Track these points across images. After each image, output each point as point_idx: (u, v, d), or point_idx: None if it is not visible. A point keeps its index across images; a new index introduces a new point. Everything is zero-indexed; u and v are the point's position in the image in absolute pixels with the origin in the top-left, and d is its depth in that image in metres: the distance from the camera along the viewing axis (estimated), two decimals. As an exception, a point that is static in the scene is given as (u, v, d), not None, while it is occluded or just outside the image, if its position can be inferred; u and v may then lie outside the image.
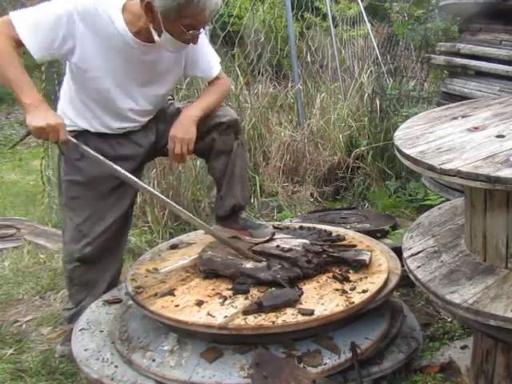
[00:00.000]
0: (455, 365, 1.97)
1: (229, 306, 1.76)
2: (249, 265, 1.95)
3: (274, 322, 1.66)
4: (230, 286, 1.87)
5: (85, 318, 2.07)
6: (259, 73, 4.85)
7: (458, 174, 1.46)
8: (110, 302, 2.16)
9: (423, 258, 1.77)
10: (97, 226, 2.13)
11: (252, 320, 1.68)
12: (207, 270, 1.96)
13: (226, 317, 1.69)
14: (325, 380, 1.63)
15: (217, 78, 2.21)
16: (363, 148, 4.19)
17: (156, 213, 3.46)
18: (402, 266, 1.93)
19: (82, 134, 2.09)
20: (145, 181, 3.46)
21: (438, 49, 3.41)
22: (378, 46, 5.50)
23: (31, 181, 5.40)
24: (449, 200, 2.60)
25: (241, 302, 1.78)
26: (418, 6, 4.43)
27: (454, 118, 1.96)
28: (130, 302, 2.00)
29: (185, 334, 1.79)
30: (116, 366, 1.78)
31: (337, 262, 2.01)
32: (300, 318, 1.68)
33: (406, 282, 1.98)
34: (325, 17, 5.91)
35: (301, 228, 2.33)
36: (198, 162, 3.67)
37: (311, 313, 1.69)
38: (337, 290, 1.83)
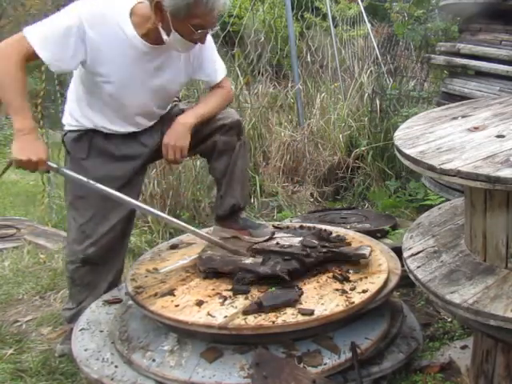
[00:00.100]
0: (455, 365, 1.97)
1: (229, 306, 1.76)
2: (248, 261, 1.96)
3: (274, 322, 1.66)
4: (230, 286, 1.87)
5: (85, 318, 2.07)
6: (259, 73, 4.85)
7: (458, 173, 1.46)
8: (110, 302, 2.16)
9: (423, 258, 1.77)
10: (100, 226, 2.14)
11: (252, 320, 1.68)
12: (207, 269, 1.96)
13: (226, 317, 1.69)
14: (325, 380, 1.63)
15: (220, 85, 2.21)
16: (363, 148, 4.19)
17: (156, 213, 3.46)
18: (402, 266, 1.93)
19: (87, 134, 2.12)
20: (145, 181, 3.47)
21: (438, 49, 3.41)
22: (377, 45, 5.50)
23: (31, 181, 5.41)
24: (449, 200, 2.60)
25: (241, 302, 1.78)
26: (418, 6, 4.43)
27: (454, 118, 1.96)
28: (130, 302, 2.00)
29: (185, 334, 1.79)
30: (116, 366, 1.78)
31: (337, 256, 2.02)
32: (300, 318, 1.68)
33: (406, 282, 1.98)
34: (325, 17, 5.92)
35: (301, 228, 2.33)
36: (198, 162, 3.68)
37: (311, 313, 1.69)
38: (337, 289, 1.83)
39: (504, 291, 1.53)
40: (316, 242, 2.07)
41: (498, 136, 1.69)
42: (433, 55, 3.47)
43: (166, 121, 2.22)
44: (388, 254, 2.17)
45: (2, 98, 1.87)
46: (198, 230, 2.18)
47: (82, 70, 2.00)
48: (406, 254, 1.82)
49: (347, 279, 1.90)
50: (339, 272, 1.95)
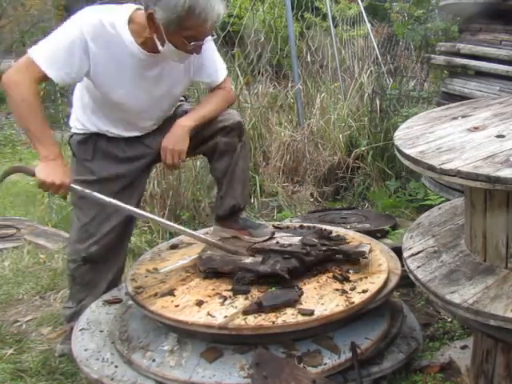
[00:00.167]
0: (455, 365, 1.97)
1: (229, 306, 1.76)
2: (248, 260, 1.96)
3: (274, 322, 1.66)
4: (230, 286, 1.87)
5: (85, 317, 2.07)
6: (259, 73, 4.85)
7: (458, 173, 1.46)
8: (110, 302, 2.16)
9: (423, 258, 1.77)
10: (103, 225, 2.15)
11: (252, 320, 1.68)
12: (206, 269, 1.96)
13: (226, 317, 1.69)
14: (325, 380, 1.63)
15: (220, 86, 2.21)
16: (363, 148, 4.19)
17: (156, 213, 3.46)
18: (402, 266, 1.93)
19: (92, 137, 2.14)
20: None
21: (438, 49, 3.41)
22: (377, 46, 5.50)
23: (31, 181, 5.40)
24: (449, 200, 2.60)
25: (241, 302, 1.78)
26: (418, 6, 4.43)
27: (454, 118, 1.96)
28: (130, 302, 2.00)
29: (185, 334, 1.79)
30: (116, 366, 1.78)
31: (337, 254, 2.02)
32: (300, 318, 1.68)
33: (406, 282, 1.97)
34: (325, 17, 5.91)
35: (301, 227, 2.33)
36: (198, 162, 3.68)
37: (311, 313, 1.69)
38: (337, 289, 1.83)
39: (504, 291, 1.53)
40: (316, 240, 2.07)
41: (498, 136, 1.69)
42: (433, 55, 3.47)
43: (169, 122, 2.22)
44: (388, 254, 2.17)
45: (23, 127, 1.92)
46: (196, 233, 2.18)
47: (86, 81, 2.01)
48: (405, 254, 1.82)
49: (347, 279, 1.90)
50: (339, 272, 1.95)
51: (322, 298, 1.78)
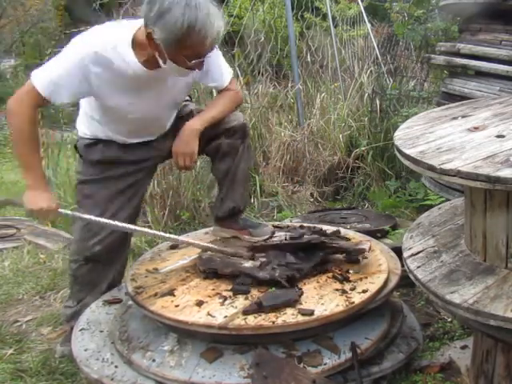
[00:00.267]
0: (455, 365, 1.97)
1: (229, 306, 1.76)
2: (248, 264, 1.96)
3: (273, 322, 1.66)
4: (230, 287, 1.87)
5: (85, 317, 2.07)
6: (259, 73, 4.84)
7: (458, 173, 1.46)
8: (110, 302, 2.16)
9: (423, 258, 1.77)
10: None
11: (252, 320, 1.68)
12: (207, 269, 1.96)
13: (225, 317, 1.69)
14: (325, 380, 1.63)
15: (227, 88, 2.21)
16: (363, 148, 4.19)
17: (156, 213, 3.47)
18: (402, 266, 1.93)
19: (100, 141, 2.15)
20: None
21: (438, 49, 3.41)
22: (377, 46, 5.49)
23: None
24: (449, 200, 2.59)
25: (241, 302, 1.78)
26: (418, 6, 4.43)
27: (454, 118, 1.96)
28: (130, 302, 2.00)
29: (185, 334, 1.79)
30: (116, 366, 1.78)
31: (337, 251, 2.03)
32: (300, 318, 1.68)
33: (406, 282, 1.97)
34: (325, 17, 5.91)
35: (301, 227, 2.33)
36: (198, 162, 3.67)
37: (311, 313, 1.69)
38: (337, 289, 1.83)
39: (504, 291, 1.53)
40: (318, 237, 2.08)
41: (498, 136, 1.69)
42: (433, 55, 3.47)
43: (175, 123, 2.24)
44: (388, 254, 2.17)
45: (16, 153, 1.98)
46: (195, 241, 2.16)
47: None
48: (405, 254, 1.82)
49: (347, 279, 1.90)
50: (339, 272, 1.95)
51: (322, 298, 1.78)
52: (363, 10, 5.84)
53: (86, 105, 2.13)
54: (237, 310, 1.73)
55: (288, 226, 2.39)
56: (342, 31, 6.01)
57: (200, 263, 2.01)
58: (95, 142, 2.15)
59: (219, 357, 1.72)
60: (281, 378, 1.58)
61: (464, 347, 2.06)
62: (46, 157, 4.05)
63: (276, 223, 2.51)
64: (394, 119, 4.04)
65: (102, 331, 1.98)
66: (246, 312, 1.71)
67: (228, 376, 1.64)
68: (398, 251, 2.07)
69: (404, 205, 3.64)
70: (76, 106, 2.24)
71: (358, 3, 5.94)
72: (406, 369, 1.93)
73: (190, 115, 2.20)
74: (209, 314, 1.71)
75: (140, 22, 1.87)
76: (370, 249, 2.03)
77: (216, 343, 1.76)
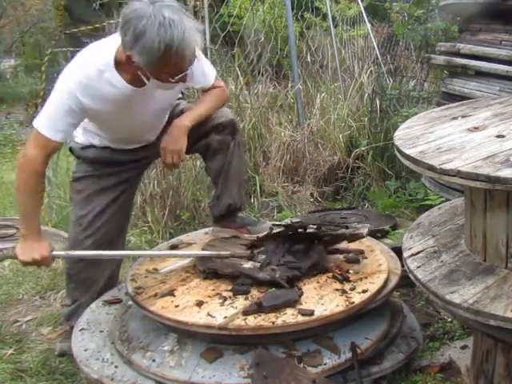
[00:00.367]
0: (455, 365, 1.97)
1: (229, 306, 1.76)
2: (247, 265, 1.96)
3: (273, 323, 1.66)
4: (230, 287, 1.86)
5: (85, 317, 2.07)
6: (259, 73, 4.84)
7: (458, 173, 1.46)
8: (110, 302, 2.16)
9: (423, 258, 1.77)
10: (97, 219, 2.18)
11: (252, 320, 1.68)
12: (206, 270, 1.96)
13: (225, 317, 1.69)
14: (325, 380, 1.63)
15: (214, 86, 2.22)
16: (363, 148, 4.19)
17: (156, 213, 3.46)
18: (402, 266, 1.93)
19: (93, 146, 2.20)
20: (145, 181, 3.48)
21: (438, 49, 3.41)
22: (377, 46, 5.49)
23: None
24: (449, 200, 2.59)
25: (241, 302, 1.78)
26: (418, 6, 4.43)
27: (454, 118, 1.96)
28: (130, 302, 2.00)
29: (185, 334, 1.79)
30: (116, 366, 1.78)
31: (335, 239, 2.04)
32: (300, 318, 1.68)
33: (406, 282, 1.97)
34: (325, 17, 5.91)
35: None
36: (198, 162, 3.67)
37: (311, 313, 1.69)
38: (337, 290, 1.83)
39: (504, 291, 1.53)
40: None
41: (498, 136, 1.69)
42: (433, 55, 3.47)
43: (167, 123, 2.25)
44: (388, 254, 2.17)
45: (18, 201, 2.04)
46: (191, 252, 2.15)
47: None
48: (405, 254, 1.82)
49: (347, 279, 1.90)
50: (339, 272, 1.94)
51: (322, 298, 1.78)
52: (363, 10, 5.84)
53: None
54: (237, 310, 1.73)
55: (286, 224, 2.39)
56: (342, 31, 6.01)
57: (200, 263, 2.01)
58: (89, 146, 2.20)
59: (219, 357, 1.72)
60: (281, 378, 1.58)
61: (464, 347, 2.06)
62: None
63: (276, 223, 2.51)
64: (394, 119, 4.04)
65: (102, 331, 1.98)
66: (245, 312, 1.71)
67: (228, 376, 1.64)
68: (398, 251, 2.07)
69: (404, 205, 3.64)
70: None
71: (357, 3, 5.94)
72: (406, 369, 1.93)
73: (181, 114, 2.22)
74: (209, 314, 1.71)
75: (119, 41, 1.87)
76: (367, 233, 2.03)
77: (216, 343, 1.76)
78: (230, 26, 4.49)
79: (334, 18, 5.70)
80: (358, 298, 1.78)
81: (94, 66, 1.90)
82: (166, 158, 2.11)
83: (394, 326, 1.94)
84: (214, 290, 1.87)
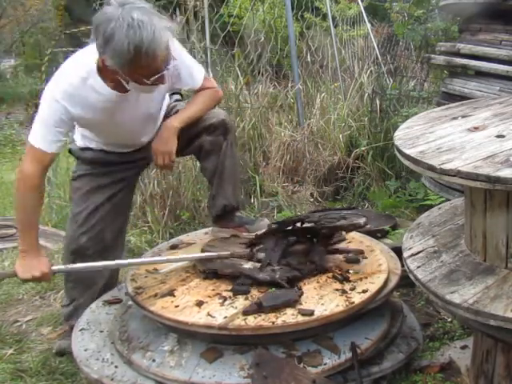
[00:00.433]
0: (455, 365, 1.97)
1: (229, 306, 1.76)
2: (247, 265, 1.95)
3: (273, 323, 1.66)
4: (230, 287, 1.86)
5: (85, 318, 2.07)
6: (259, 73, 4.84)
7: (458, 173, 1.46)
8: (110, 302, 2.16)
9: (423, 258, 1.77)
10: (92, 216, 2.18)
11: (252, 320, 1.68)
12: (206, 270, 1.96)
13: (225, 317, 1.69)
14: (325, 380, 1.63)
15: (205, 86, 2.22)
16: (363, 148, 4.19)
17: (156, 213, 3.46)
18: (402, 266, 1.93)
19: (91, 149, 2.23)
20: (145, 181, 3.48)
21: (438, 49, 3.41)
22: (377, 45, 5.49)
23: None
24: (449, 200, 2.59)
25: (241, 302, 1.78)
26: (418, 6, 4.43)
27: (454, 118, 1.96)
28: (130, 302, 2.00)
29: (185, 334, 1.79)
30: (116, 366, 1.78)
31: (333, 231, 2.05)
32: (300, 318, 1.68)
33: (406, 282, 1.97)
34: (325, 17, 5.90)
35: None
36: (198, 163, 3.67)
37: (311, 313, 1.69)
38: (337, 290, 1.83)
39: (504, 291, 1.53)
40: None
41: (498, 136, 1.69)
42: (433, 55, 3.47)
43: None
44: (388, 254, 2.17)
45: (16, 216, 2.03)
46: (195, 255, 2.12)
47: None
48: (405, 254, 1.82)
49: (347, 279, 1.90)
50: (339, 272, 1.94)
51: (322, 298, 1.78)
52: (363, 10, 5.84)
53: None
54: (237, 310, 1.73)
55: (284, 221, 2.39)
56: (342, 31, 6.01)
57: (200, 264, 2.01)
58: (87, 148, 2.24)
59: (219, 357, 1.72)
60: (281, 378, 1.58)
61: (464, 347, 2.06)
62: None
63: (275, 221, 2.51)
64: (394, 119, 4.04)
65: (102, 331, 1.98)
66: (245, 312, 1.71)
67: (228, 376, 1.64)
68: (398, 251, 2.07)
69: (404, 205, 3.64)
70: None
71: (357, 3, 5.94)
72: (406, 369, 1.93)
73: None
74: (209, 314, 1.71)
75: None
76: (364, 224, 2.03)
77: (216, 343, 1.76)
78: (230, 26, 4.49)
79: (333, 18, 5.70)
80: (357, 298, 1.78)
81: (76, 74, 1.92)
82: (157, 159, 2.13)
83: (394, 326, 1.94)
84: (214, 290, 1.87)
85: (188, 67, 2.15)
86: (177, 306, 1.77)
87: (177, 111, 2.25)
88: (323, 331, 1.78)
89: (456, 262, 1.71)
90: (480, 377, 1.78)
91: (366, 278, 1.92)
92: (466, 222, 1.79)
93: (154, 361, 1.72)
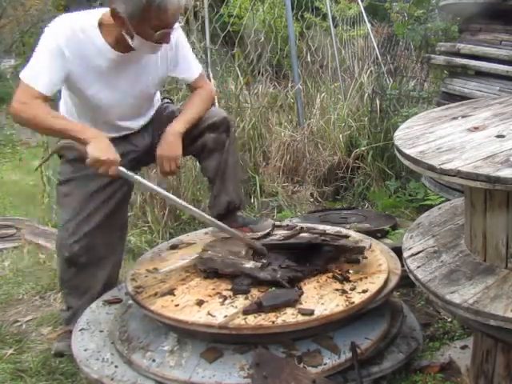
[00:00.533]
0: (455, 365, 1.97)
1: (229, 305, 1.76)
2: (248, 264, 1.96)
3: (273, 322, 1.66)
4: (230, 286, 1.86)
5: (85, 318, 2.07)
6: (259, 73, 4.84)
7: (458, 173, 1.46)
8: (110, 302, 2.16)
9: (423, 258, 1.77)
10: (83, 224, 2.11)
11: (252, 320, 1.68)
12: (207, 269, 1.96)
13: (226, 316, 1.69)
14: (325, 380, 1.63)
15: (200, 86, 2.24)
16: (363, 148, 4.19)
17: (156, 213, 3.46)
18: (402, 266, 1.93)
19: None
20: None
21: (438, 49, 3.41)
22: (377, 46, 5.50)
23: (31, 181, 5.40)
24: (449, 200, 2.59)
25: (241, 301, 1.78)
26: (418, 6, 4.43)
27: (454, 118, 1.96)
28: (130, 301, 2.00)
29: (185, 333, 1.79)
30: (116, 366, 1.77)
31: (337, 250, 2.04)
32: (300, 317, 1.68)
33: (406, 282, 1.97)
34: (325, 17, 5.91)
35: (301, 229, 2.33)
36: (198, 163, 3.67)
37: (311, 313, 1.69)
38: (337, 289, 1.83)
39: (504, 291, 1.53)
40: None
41: (498, 136, 1.69)
42: (433, 55, 3.47)
43: (156, 122, 2.26)
44: (388, 254, 2.17)
45: (53, 132, 1.96)
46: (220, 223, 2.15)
47: (66, 87, 2.05)
48: (405, 254, 1.82)
49: (347, 279, 1.90)
50: (339, 272, 1.94)
51: (321, 298, 1.78)
52: (363, 10, 5.84)
53: (63, 99, 2.17)
54: (237, 309, 1.73)
55: (288, 225, 2.39)
56: (342, 31, 6.01)
57: (199, 263, 2.01)
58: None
59: (219, 357, 1.71)
60: (281, 378, 1.58)
61: (464, 347, 2.06)
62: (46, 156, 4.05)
63: (277, 223, 2.51)
64: (394, 119, 4.04)
65: (101, 331, 1.98)
66: (246, 312, 1.71)
67: (228, 376, 1.64)
68: (398, 251, 2.07)
69: (404, 205, 3.64)
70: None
71: (357, 3, 5.94)
72: (406, 369, 1.93)
73: (172, 116, 2.21)
74: (209, 313, 1.71)
75: (103, 9, 1.94)
76: (370, 247, 2.03)
77: (216, 343, 1.76)
78: (230, 26, 4.49)
79: (334, 18, 5.70)
80: (358, 298, 1.78)
81: (77, 21, 1.94)
82: (163, 165, 2.11)
83: (394, 326, 1.94)
84: (214, 289, 1.87)
85: (187, 58, 2.18)
86: (177, 305, 1.77)
87: (171, 112, 2.26)
88: (323, 331, 1.78)
89: (456, 262, 1.71)
90: (480, 377, 1.78)
91: (366, 278, 1.92)
92: (466, 222, 1.79)
93: (154, 361, 1.72)
